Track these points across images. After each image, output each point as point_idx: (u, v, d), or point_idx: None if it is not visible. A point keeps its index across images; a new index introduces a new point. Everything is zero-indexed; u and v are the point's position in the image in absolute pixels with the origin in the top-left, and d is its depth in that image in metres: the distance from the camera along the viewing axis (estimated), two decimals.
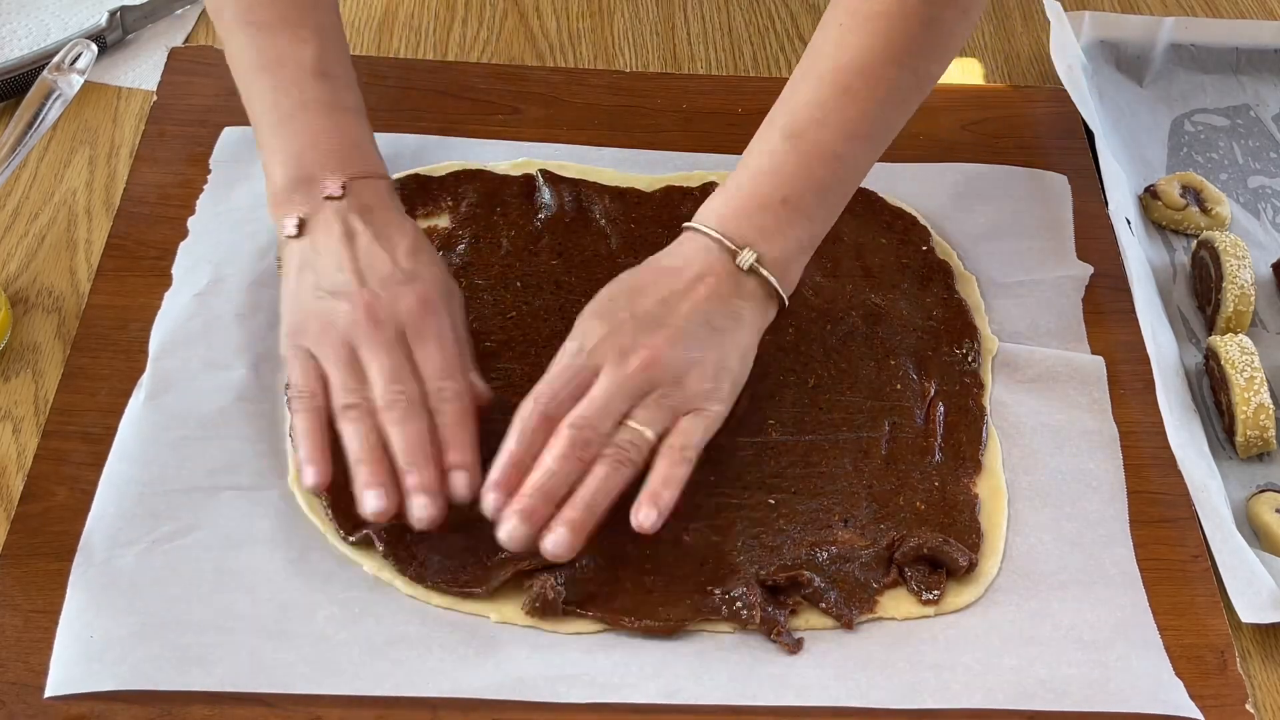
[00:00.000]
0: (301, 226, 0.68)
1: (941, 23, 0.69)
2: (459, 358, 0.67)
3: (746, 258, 0.67)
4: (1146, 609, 0.68)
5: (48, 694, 0.60)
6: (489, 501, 0.62)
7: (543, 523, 0.62)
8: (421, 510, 0.62)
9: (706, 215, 0.69)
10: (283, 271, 0.70)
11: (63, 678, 0.60)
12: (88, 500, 0.66)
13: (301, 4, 0.72)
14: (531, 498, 0.62)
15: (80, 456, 0.68)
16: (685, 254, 0.69)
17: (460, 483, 0.63)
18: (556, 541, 0.61)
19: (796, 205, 0.69)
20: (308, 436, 0.64)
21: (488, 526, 0.66)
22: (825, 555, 0.67)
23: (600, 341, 0.65)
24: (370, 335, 0.65)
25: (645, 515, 0.62)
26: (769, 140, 0.70)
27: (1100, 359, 0.78)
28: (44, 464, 0.68)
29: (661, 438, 0.64)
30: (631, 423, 0.64)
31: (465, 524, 0.66)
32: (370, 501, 0.62)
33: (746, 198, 0.69)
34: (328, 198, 0.68)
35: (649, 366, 0.64)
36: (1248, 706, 0.65)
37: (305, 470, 0.64)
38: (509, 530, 0.62)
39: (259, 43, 0.71)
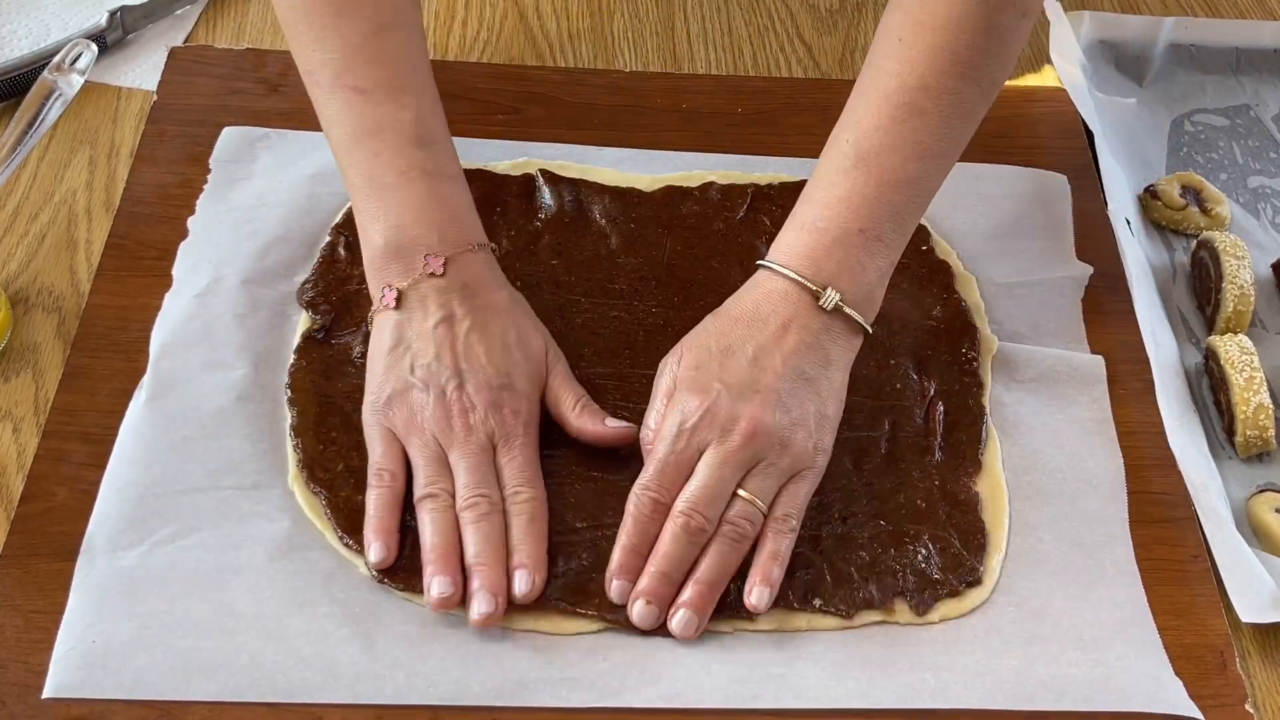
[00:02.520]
0: (399, 300, 0.68)
1: (1001, 28, 0.67)
2: (536, 464, 0.67)
3: (830, 298, 0.67)
4: (1146, 609, 0.68)
5: (46, 694, 0.60)
6: (614, 589, 0.64)
7: (668, 603, 0.64)
8: (484, 606, 0.63)
9: (782, 254, 0.68)
10: (373, 337, 0.69)
11: (64, 681, 0.60)
12: (88, 500, 0.66)
13: (400, 68, 0.70)
14: (653, 580, 0.64)
15: (80, 456, 0.68)
16: (765, 298, 0.68)
17: (521, 582, 0.64)
18: (682, 623, 0.63)
19: (874, 234, 0.68)
20: (379, 515, 0.65)
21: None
22: (824, 549, 0.67)
23: (699, 420, 0.65)
24: (462, 442, 0.66)
25: (759, 596, 0.64)
26: (838, 167, 0.68)
27: (1100, 359, 0.78)
28: (44, 464, 0.68)
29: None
30: (742, 493, 0.65)
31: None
32: (436, 588, 0.63)
33: (821, 232, 0.68)
34: (430, 275, 0.68)
35: (751, 439, 0.64)
36: (1247, 707, 0.65)
37: (373, 546, 0.65)
38: (639, 614, 0.64)
39: (358, 109, 0.69)
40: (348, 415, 0.71)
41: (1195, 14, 1.04)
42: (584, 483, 0.69)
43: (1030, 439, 0.74)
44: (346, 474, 0.68)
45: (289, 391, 0.71)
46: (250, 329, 0.74)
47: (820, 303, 0.67)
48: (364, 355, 0.73)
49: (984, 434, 0.73)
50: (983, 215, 0.85)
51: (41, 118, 0.77)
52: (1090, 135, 0.89)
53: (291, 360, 0.73)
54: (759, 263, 0.69)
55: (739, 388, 0.65)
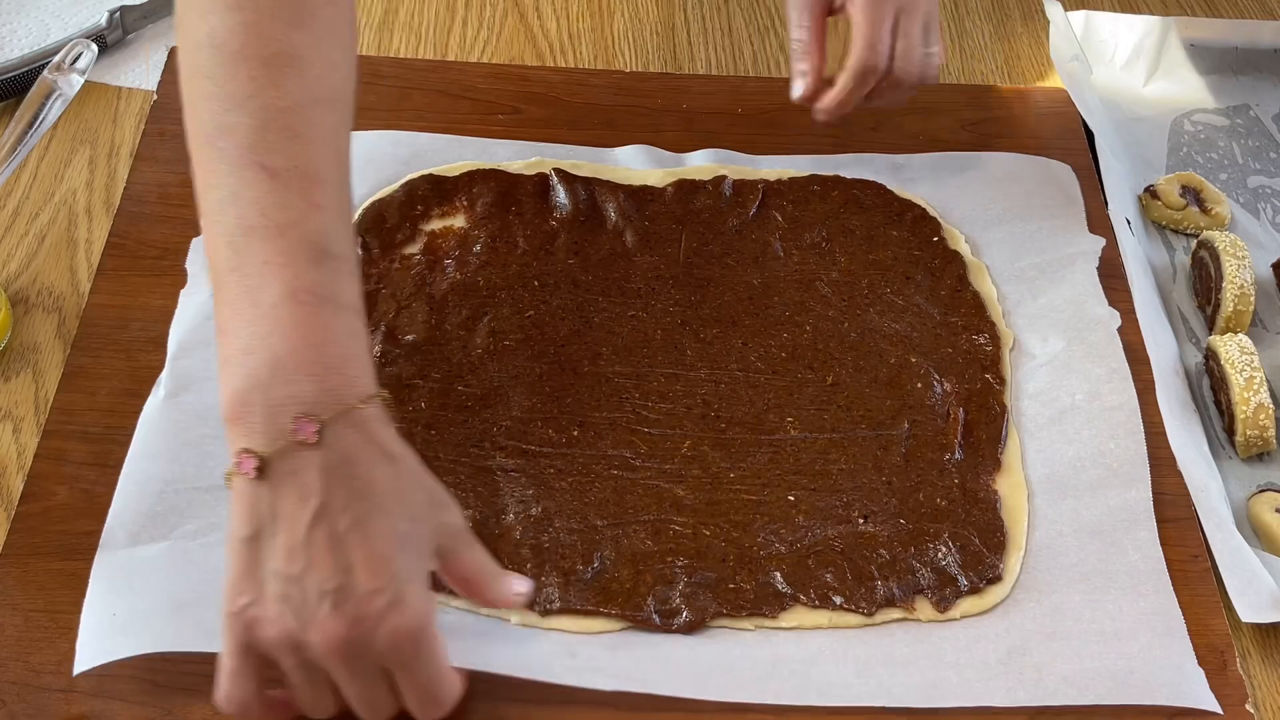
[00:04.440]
0: (261, 469, 0.53)
1: None
2: (445, 682, 0.57)
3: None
4: (1171, 593, 0.67)
5: (76, 671, 0.60)
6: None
7: None
8: None
9: None
10: (231, 510, 0.55)
11: (88, 653, 0.60)
12: (88, 499, 0.66)
13: (323, 153, 0.58)
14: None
15: (80, 456, 0.68)
16: None
17: None
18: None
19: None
20: None
21: (504, 537, 0.66)
22: (844, 547, 0.68)
23: None
24: (344, 670, 0.55)
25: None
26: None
27: (1115, 312, 0.78)
28: (44, 464, 0.68)
29: None
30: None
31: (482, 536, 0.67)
32: None
33: None
34: (300, 443, 0.53)
35: None
36: (1248, 706, 0.65)
37: None
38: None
39: (261, 194, 0.56)
40: None
41: (1195, 14, 1.04)
42: (604, 481, 0.69)
43: (1048, 431, 0.74)
44: None
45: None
46: None
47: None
48: (382, 354, 0.73)
49: (1005, 432, 0.73)
50: (992, 202, 0.85)
51: (41, 118, 0.77)
52: (1090, 135, 0.89)
53: None
54: None
55: None
